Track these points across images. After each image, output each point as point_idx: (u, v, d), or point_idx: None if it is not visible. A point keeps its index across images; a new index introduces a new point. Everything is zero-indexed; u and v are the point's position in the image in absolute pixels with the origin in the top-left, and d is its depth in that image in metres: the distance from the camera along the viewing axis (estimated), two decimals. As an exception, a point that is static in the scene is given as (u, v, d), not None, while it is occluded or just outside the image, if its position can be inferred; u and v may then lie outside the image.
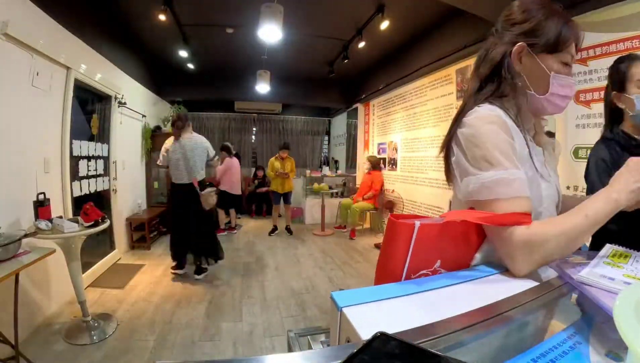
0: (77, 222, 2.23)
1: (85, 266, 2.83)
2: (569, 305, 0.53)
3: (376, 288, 0.50)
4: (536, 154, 0.69)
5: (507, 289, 0.50)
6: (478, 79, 0.72)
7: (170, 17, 3.57)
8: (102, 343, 2.11)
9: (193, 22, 3.92)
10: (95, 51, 3.27)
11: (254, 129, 7.77)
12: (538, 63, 0.66)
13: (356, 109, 6.41)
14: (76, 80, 2.88)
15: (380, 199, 5.09)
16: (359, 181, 6.42)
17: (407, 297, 0.46)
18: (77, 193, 2.95)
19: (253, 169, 7.05)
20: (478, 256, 0.64)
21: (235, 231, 5.37)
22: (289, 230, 5.24)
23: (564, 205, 0.76)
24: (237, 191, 5.29)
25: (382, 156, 5.53)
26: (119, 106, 3.85)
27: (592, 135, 1.21)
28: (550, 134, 0.84)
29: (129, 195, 4.32)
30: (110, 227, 3.52)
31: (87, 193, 3.15)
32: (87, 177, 3.19)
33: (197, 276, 3.27)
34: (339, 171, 6.87)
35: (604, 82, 2.01)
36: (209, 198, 3.25)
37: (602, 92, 2.06)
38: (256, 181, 6.79)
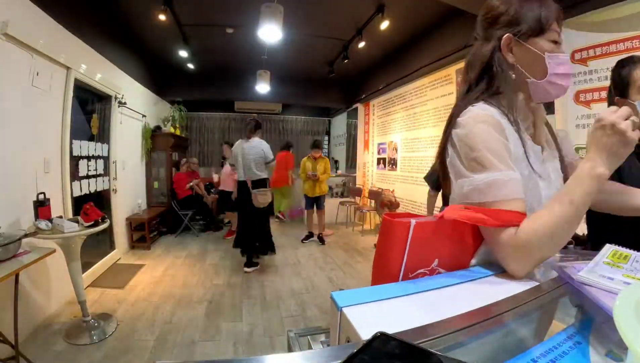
0: (77, 222, 2.23)
1: (85, 266, 2.83)
2: (569, 305, 0.53)
3: (376, 288, 0.50)
4: (534, 152, 0.68)
5: (507, 289, 0.50)
6: (468, 81, 0.72)
7: (170, 17, 3.58)
8: (102, 343, 2.11)
9: (193, 22, 3.92)
10: (95, 51, 3.27)
11: (254, 129, 7.77)
12: (529, 48, 0.66)
13: (356, 109, 6.41)
14: (76, 80, 2.88)
15: (379, 199, 5.09)
16: (359, 181, 6.43)
17: (407, 297, 0.46)
18: (77, 193, 2.95)
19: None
20: (475, 260, 0.63)
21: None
22: (321, 239, 4.76)
23: None
24: None
25: (382, 156, 5.53)
26: (119, 106, 3.85)
27: None
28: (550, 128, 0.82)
29: (129, 195, 4.32)
30: (110, 227, 3.52)
31: (87, 193, 3.15)
32: (87, 177, 3.19)
33: (246, 269, 3.48)
34: (339, 171, 6.88)
35: (604, 83, 2.03)
36: (258, 196, 3.48)
37: (602, 93, 2.07)
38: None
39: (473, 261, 0.63)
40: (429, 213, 3.01)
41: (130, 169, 4.34)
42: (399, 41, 4.31)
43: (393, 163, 5.14)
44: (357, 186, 6.41)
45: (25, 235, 1.83)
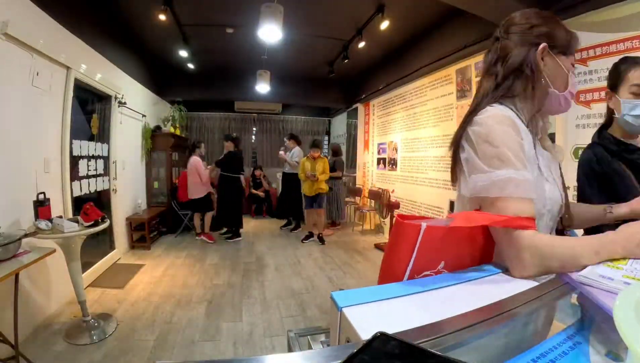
0: (77, 222, 2.23)
1: (85, 266, 2.83)
2: (569, 305, 0.53)
3: (376, 288, 0.50)
4: (541, 155, 0.72)
5: (507, 289, 0.50)
6: (494, 80, 0.74)
7: (170, 17, 3.57)
8: (102, 343, 2.11)
9: (193, 22, 3.92)
10: (95, 50, 3.27)
11: (254, 129, 7.77)
12: (557, 62, 0.71)
13: (356, 109, 6.41)
14: (76, 80, 2.88)
15: (379, 199, 5.09)
16: (359, 181, 6.43)
17: (407, 297, 0.46)
18: (77, 193, 2.95)
19: (252, 169, 7.04)
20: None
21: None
22: (321, 239, 4.77)
23: (575, 210, 0.79)
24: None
25: (382, 156, 5.53)
26: (119, 106, 3.85)
27: (592, 135, 1.20)
28: (551, 138, 0.84)
29: (129, 195, 4.33)
30: (110, 227, 3.52)
31: (87, 192, 3.15)
32: (87, 177, 3.19)
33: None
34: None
35: (604, 83, 2.02)
36: None
37: (602, 93, 2.06)
38: (251, 183, 6.78)
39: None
40: None
41: (130, 169, 4.34)
42: (399, 41, 4.31)
43: (393, 163, 5.14)
44: (357, 186, 6.41)
45: (25, 235, 1.83)
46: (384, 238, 4.99)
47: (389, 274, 0.56)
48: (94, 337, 2.15)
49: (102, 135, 3.64)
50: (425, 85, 4.20)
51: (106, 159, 3.61)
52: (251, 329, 2.38)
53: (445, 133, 3.76)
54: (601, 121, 1.21)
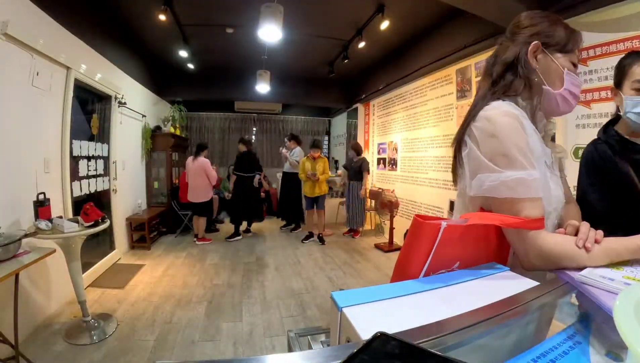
0: (77, 222, 2.23)
1: (85, 266, 2.83)
2: (569, 305, 0.53)
3: (376, 288, 0.50)
4: (546, 153, 0.71)
5: (507, 289, 0.50)
6: (491, 78, 0.75)
7: (170, 17, 3.57)
8: (102, 343, 2.11)
9: (193, 22, 3.91)
10: (95, 51, 3.27)
11: (254, 129, 7.77)
12: (552, 60, 0.70)
13: (356, 109, 6.41)
14: (76, 80, 2.88)
15: (379, 199, 5.09)
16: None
17: (407, 297, 0.46)
18: (77, 193, 2.95)
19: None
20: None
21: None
22: (320, 239, 4.76)
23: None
24: None
25: (382, 156, 5.53)
26: (119, 106, 3.85)
27: (592, 135, 1.19)
28: (552, 139, 0.84)
29: (129, 195, 4.32)
30: (110, 227, 3.52)
31: (87, 193, 3.15)
32: (87, 177, 3.19)
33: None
34: (339, 171, 6.87)
35: (604, 83, 2.02)
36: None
37: (602, 93, 2.06)
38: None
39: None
40: None
41: (130, 169, 4.34)
42: (399, 41, 4.31)
43: (393, 163, 5.14)
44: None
45: (25, 235, 1.83)
46: (384, 238, 4.99)
47: (404, 273, 0.56)
48: (94, 337, 2.15)
49: (102, 135, 3.63)
50: (425, 85, 4.20)
51: (106, 159, 3.61)
52: (251, 329, 2.38)
53: (445, 133, 3.76)
54: (601, 121, 1.20)
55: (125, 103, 3.95)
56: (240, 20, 3.83)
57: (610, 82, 1.12)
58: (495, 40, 0.81)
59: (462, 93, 3.50)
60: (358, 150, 5.12)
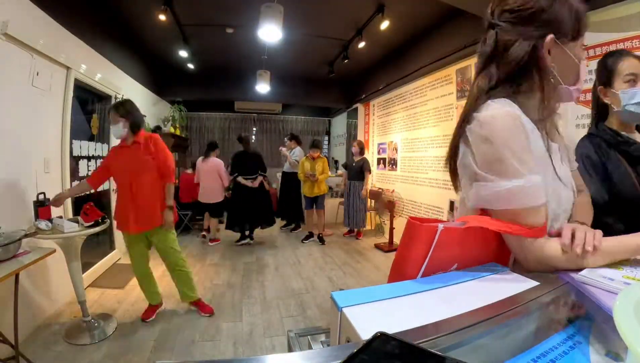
0: (77, 222, 2.23)
1: (85, 266, 2.83)
2: (569, 305, 0.53)
3: (376, 288, 0.50)
4: (553, 151, 0.65)
5: (507, 289, 0.50)
6: (495, 75, 0.65)
7: (170, 17, 3.57)
8: (102, 343, 2.11)
9: (193, 22, 3.92)
10: (95, 51, 3.27)
11: (254, 129, 7.78)
12: (567, 53, 0.61)
13: (356, 109, 6.41)
14: (76, 80, 2.88)
15: (379, 199, 5.09)
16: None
17: (407, 297, 0.46)
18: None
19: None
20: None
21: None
22: (321, 239, 4.74)
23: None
24: None
25: (382, 156, 5.53)
26: (119, 106, 3.84)
27: (589, 127, 1.22)
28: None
29: (129, 195, 4.31)
30: (110, 227, 3.51)
31: (87, 193, 3.15)
32: (87, 177, 3.18)
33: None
34: (339, 171, 6.87)
35: (604, 83, 2.02)
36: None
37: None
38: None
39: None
40: None
41: (130, 169, 4.33)
42: (399, 41, 4.31)
43: (393, 163, 5.14)
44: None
45: (25, 235, 1.83)
46: (384, 238, 4.99)
47: (400, 275, 0.56)
48: (94, 337, 2.15)
49: (102, 135, 3.63)
50: (425, 85, 4.20)
51: (106, 159, 3.61)
52: (251, 329, 2.38)
53: (445, 133, 3.76)
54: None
55: (125, 103, 3.94)
56: (240, 20, 3.83)
57: None
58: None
59: (462, 93, 3.50)
60: (362, 148, 5.02)
